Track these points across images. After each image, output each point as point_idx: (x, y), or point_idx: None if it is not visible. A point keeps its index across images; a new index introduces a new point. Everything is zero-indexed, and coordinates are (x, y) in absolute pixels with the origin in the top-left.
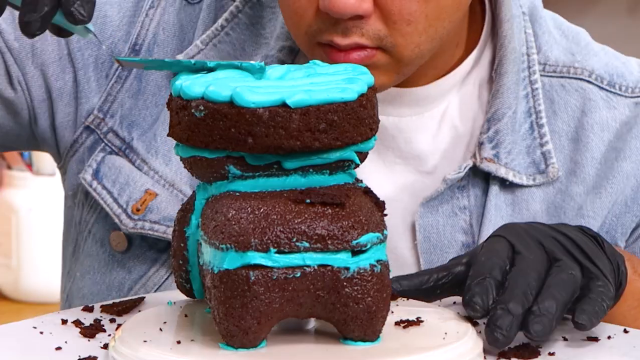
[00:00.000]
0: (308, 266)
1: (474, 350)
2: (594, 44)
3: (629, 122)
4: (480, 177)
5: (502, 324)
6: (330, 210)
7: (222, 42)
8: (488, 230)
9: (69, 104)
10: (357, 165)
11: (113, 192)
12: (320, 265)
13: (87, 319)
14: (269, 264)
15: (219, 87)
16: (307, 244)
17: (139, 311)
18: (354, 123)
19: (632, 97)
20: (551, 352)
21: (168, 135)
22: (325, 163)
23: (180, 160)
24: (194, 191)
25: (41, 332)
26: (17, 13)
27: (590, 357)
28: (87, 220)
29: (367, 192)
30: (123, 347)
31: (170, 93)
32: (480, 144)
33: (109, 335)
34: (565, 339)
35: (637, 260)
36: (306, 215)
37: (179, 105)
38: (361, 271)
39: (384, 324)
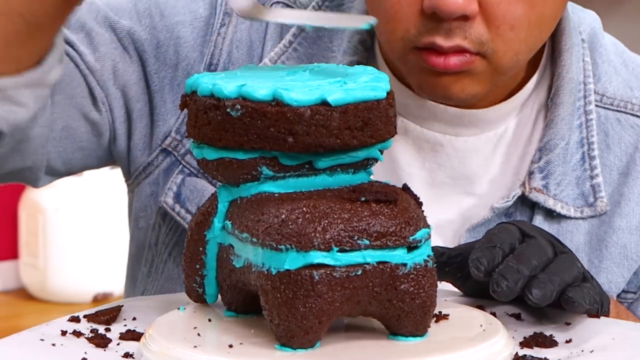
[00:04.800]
0: (368, 264)
1: (510, 341)
2: None
3: None
4: (527, 205)
5: (509, 277)
6: (385, 208)
7: (290, 58)
8: None
9: (147, 126)
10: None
11: None
12: (379, 262)
13: (82, 329)
14: (332, 262)
15: (256, 86)
16: (367, 242)
17: (124, 319)
18: (384, 121)
19: None
20: (568, 339)
21: (186, 137)
22: (353, 162)
23: (201, 162)
24: (212, 194)
25: (53, 344)
26: (93, 34)
27: (606, 334)
28: (167, 242)
29: (406, 189)
30: (173, 353)
31: (185, 93)
32: (531, 174)
33: (118, 344)
34: (568, 324)
35: (622, 308)
36: (365, 213)
37: (208, 105)
38: (417, 267)
39: (432, 318)
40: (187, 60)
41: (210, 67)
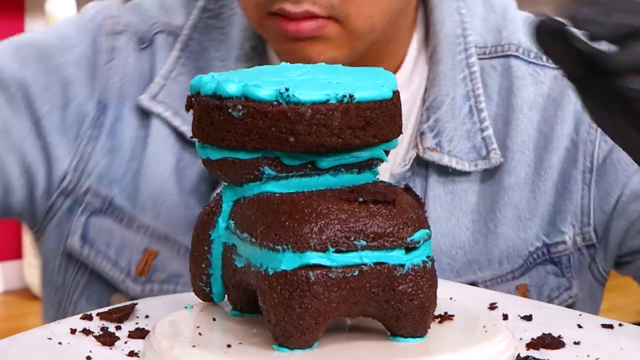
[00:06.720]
0: (365, 264)
1: (513, 342)
2: (520, 15)
3: (556, 100)
4: (422, 166)
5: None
6: (383, 208)
7: (181, 73)
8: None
9: (46, 172)
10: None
11: (110, 256)
12: (376, 263)
13: (93, 327)
14: (328, 263)
15: (258, 85)
16: (364, 242)
17: (137, 317)
18: (388, 121)
19: (556, 68)
20: (576, 341)
21: (192, 137)
22: (356, 162)
23: (206, 162)
24: (218, 194)
25: (59, 343)
26: None
27: (614, 343)
28: (75, 283)
29: (407, 189)
30: (172, 352)
31: (190, 94)
32: (422, 134)
33: (125, 342)
34: (580, 326)
35: None
36: (363, 214)
37: (211, 105)
38: (415, 268)
39: (432, 319)
40: (76, 100)
41: (100, 104)
